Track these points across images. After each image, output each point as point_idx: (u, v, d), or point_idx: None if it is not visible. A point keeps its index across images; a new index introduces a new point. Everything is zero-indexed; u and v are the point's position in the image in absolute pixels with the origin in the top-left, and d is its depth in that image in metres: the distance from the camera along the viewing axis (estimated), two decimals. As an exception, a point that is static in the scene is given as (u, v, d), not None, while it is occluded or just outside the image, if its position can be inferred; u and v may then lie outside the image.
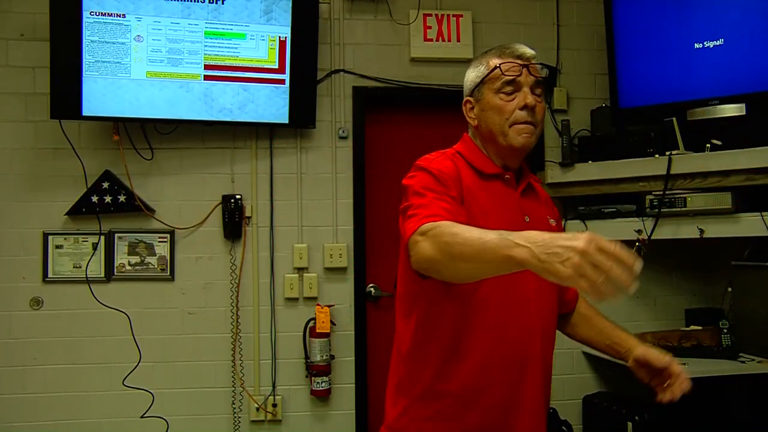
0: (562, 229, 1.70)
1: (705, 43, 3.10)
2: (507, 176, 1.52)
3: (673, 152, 3.02)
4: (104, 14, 3.00)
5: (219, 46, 3.13)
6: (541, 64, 1.51)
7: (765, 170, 2.79)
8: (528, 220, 1.49)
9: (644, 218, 3.12)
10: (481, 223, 1.31)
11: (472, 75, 1.55)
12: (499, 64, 1.48)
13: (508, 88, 1.47)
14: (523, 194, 1.54)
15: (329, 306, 3.27)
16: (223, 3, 3.10)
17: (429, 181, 1.40)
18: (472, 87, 1.54)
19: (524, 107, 1.46)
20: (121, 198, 3.19)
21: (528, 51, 1.50)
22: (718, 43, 3.07)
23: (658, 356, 1.51)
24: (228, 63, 3.14)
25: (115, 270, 3.23)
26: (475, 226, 1.23)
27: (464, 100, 1.57)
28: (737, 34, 3.02)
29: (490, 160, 1.53)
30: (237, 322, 3.28)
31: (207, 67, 3.12)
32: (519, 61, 1.48)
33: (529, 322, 1.45)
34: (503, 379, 1.42)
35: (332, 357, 3.27)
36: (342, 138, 3.39)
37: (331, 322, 3.26)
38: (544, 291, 1.48)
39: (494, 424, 1.43)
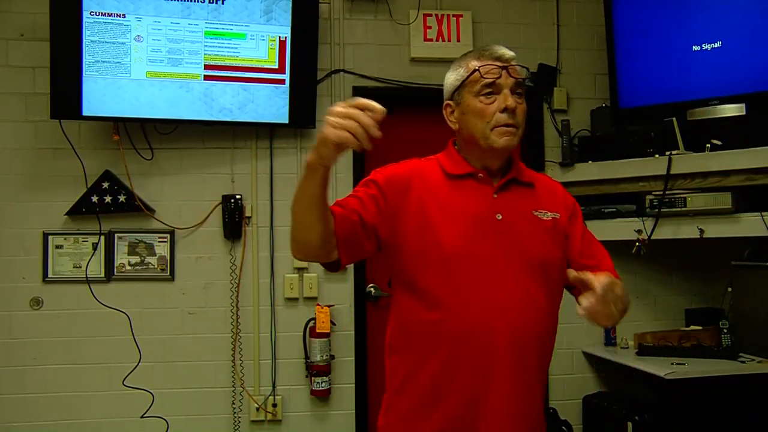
0: (576, 223, 1.60)
1: (703, 45, 3.11)
2: (480, 175, 1.51)
3: (673, 152, 3.02)
4: (104, 14, 3.00)
5: (219, 46, 3.13)
6: (521, 65, 1.49)
7: (765, 170, 2.79)
8: (501, 217, 1.46)
9: (644, 218, 3.12)
10: (437, 221, 1.43)
11: (451, 78, 1.54)
12: (479, 67, 1.46)
13: (488, 91, 1.46)
14: (504, 191, 1.50)
15: (329, 306, 3.27)
16: (223, 3, 3.10)
17: (363, 183, 1.52)
18: (452, 90, 1.53)
19: (505, 110, 1.44)
20: (121, 198, 3.19)
21: (507, 52, 1.49)
22: (716, 45, 3.07)
23: (589, 277, 1.33)
24: (228, 63, 3.14)
25: (115, 270, 3.23)
26: (430, 225, 1.43)
27: (444, 104, 1.55)
28: (735, 37, 3.02)
29: (464, 162, 1.53)
30: (237, 322, 3.28)
31: (207, 67, 3.12)
32: (498, 63, 1.46)
33: (493, 327, 1.41)
34: (465, 382, 1.41)
35: (332, 357, 3.27)
36: (342, 138, 3.38)
37: (331, 322, 3.26)
38: (521, 295, 1.43)
39: (458, 426, 1.42)
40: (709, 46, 3.09)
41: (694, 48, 3.13)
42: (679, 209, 3.01)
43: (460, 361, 1.41)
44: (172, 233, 3.26)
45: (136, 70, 3.05)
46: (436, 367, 1.43)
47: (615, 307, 1.30)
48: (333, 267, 1.48)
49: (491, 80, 1.45)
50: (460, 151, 1.55)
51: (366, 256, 1.52)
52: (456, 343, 1.41)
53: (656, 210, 3.06)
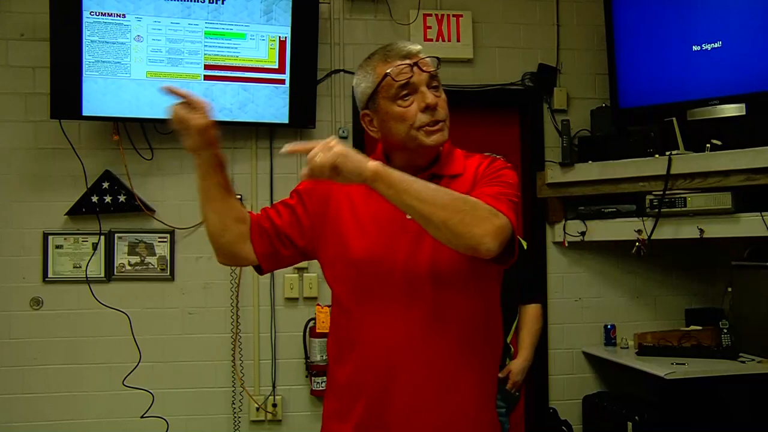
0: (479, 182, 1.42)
1: (703, 45, 3.11)
2: None
3: (673, 152, 3.02)
4: (104, 14, 3.00)
5: (219, 46, 3.13)
6: (430, 56, 1.43)
7: (765, 170, 2.79)
8: (411, 216, 1.32)
9: (644, 218, 3.12)
10: (349, 228, 1.43)
11: (362, 86, 1.47)
12: (389, 71, 1.40)
13: (404, 93, 1.40)
14: None
15: (329, 306, 3.27)
16: (223, 3, 3.10)
17: (291, 193, 1.57)
18: (366, 99, 1.46)
19: (426, 108, 1.39)
20: (121, 198, 3.19)
21: (414, 47, 1.43)
22: (716, 45, 3.07)
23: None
24: (228, 63, 3.14)
25: (115, 270, 3.23)
26: (343, 232, 1.43)
27: (361, 114, 1.49)
28: (735, 37, 3.02)
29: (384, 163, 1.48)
30: (237, 322, 3.28)
31: (207, 67, 3.12)
32: (407, 61, 1.40)
33: (393, 330, 1.38)
34: (373, 386, 1.40)
35: (332, 357, 3.27)
36: (342, 138, 3.39)
37: (331, 322, 3.26)
38: (424, 296, 1.37)
39: (370, 427, 1.40)
40: (709, 46, 3.09)
41: (694, 48, 3.13)
42: (679, 209, 3.01)
43: (367, 365, 1.40)
44: (172, 233, 3.26)
45: (136, 70, 3.05)
46: (350, 371, 1.44)
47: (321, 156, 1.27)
48: (258, 270, 1.54)
49: (404, 81, 1.39)
50: (388, 155, 1.50)
51: (288, 262, 1.56)
52: (362, 349, 1.41)
53: (656, 210, 3.06)
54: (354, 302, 1.44)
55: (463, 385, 1.39)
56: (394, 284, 1.39)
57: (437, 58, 1.46)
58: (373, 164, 1.25)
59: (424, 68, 1.41)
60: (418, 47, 1.43)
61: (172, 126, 1.40)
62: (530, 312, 2.79)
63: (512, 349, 2.79)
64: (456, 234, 1.23)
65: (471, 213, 1.24)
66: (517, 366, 2.70)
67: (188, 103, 1.40)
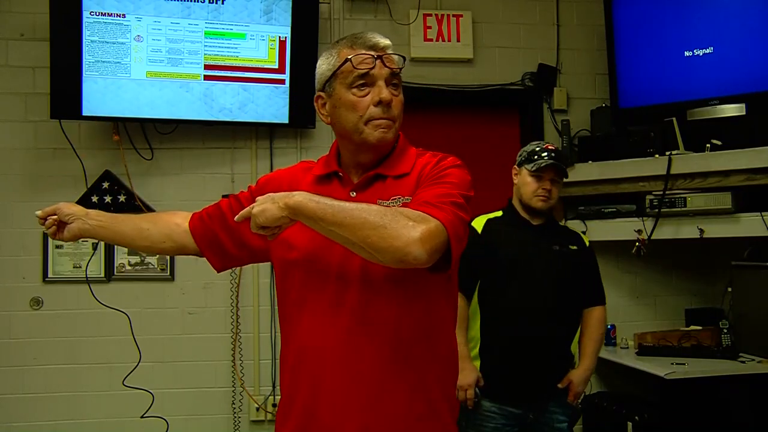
0: (423, 183, 1.37)
1: (695, 51, 3.12)
2: (340, 174, 1.44)
3: (673, 152, 3.02)
4: (104, 14, 3.00)
5: (219, 46, 3.13)
6: (397, 54, 1.40)
7: (765, 170, 2.79)
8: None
9: (644, 218, 3.12)
10: (294, 227, 1.35)
11: (323, 67, 1.42)
12: (350, 57, 1.36)
13: (361, 82, 1.36)
14: (365, 188, 1.39)
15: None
16: (223, 3, 3.10)
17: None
18: (324, 81, 1.41)
19: (379, 103, 1.36)
20: (121, 198, 3.19)
21: (382, 40, 1.39)
22: (707, 51, 3.09)
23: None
24: (228, 63, 3.14)
25: (115, 270, 3.23)
26: (287, 232, 1.34)
27: (315, 96, 1.44)
28: (727, 42, 3.04)
29: (334, 161, 1.46)
30: (237, 322, 3.28)
31: (207, 67, 3.12)
32: (372, 52, 1.36)
33: (320, 334, 1.35)
34: (303, 392, 1.37)
35: (332, 357, 3.27)
36: (342, 138, 3.39)
37: (331, 322, 3.26)
38: (357, 301, 1.32)
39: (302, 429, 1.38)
40: (700, 52, 3.11)
41: (686, 53, 3.14)
42: (679, 209, 3.01)
43: (300, 371, 1.38)
44: (172, 233, 3.26)
45: (136, 70, 3.05)
46: (288, 375, 1.42)
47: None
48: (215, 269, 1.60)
49: (364, 71, 1.35)
50: (338, 148, 1.47)
51: (241, 261, 1.60)
52: (296, 354, 1.39)
53: (656, 210, 3.06)
54: (290, 304, 1.42)
55: (393, 395, 1.33)
56: (326, 287, 1.35)
57: (404, 57, 1.43)
58: (289, 202, 1.21)
59: (387, 63, 1.38)
60: (387, 42, 1.39)
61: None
62: (593, 316, 2.53)
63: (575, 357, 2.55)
64: (378, 250, 1.17)
65: (391, 225, 1.17)
66: (578, 376, 2.44)
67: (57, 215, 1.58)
